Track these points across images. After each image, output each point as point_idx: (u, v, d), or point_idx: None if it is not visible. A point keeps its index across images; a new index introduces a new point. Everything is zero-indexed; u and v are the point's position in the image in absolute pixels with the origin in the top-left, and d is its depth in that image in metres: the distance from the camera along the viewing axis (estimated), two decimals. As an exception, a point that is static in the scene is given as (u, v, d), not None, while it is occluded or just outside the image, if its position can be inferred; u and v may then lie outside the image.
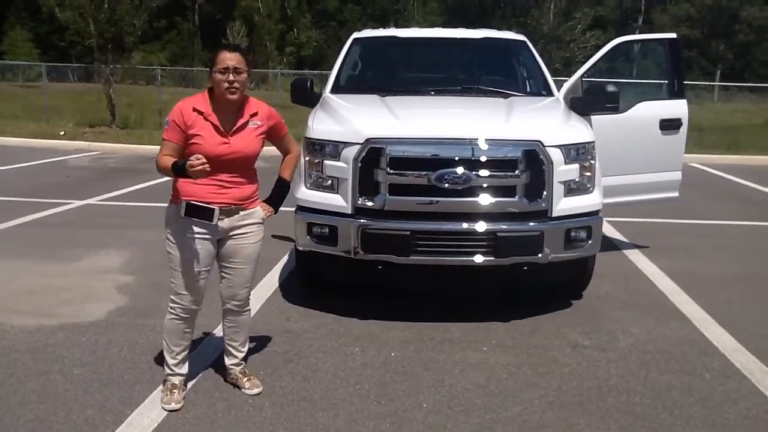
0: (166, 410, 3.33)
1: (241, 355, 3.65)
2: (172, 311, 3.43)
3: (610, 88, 5.55)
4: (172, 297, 3.42)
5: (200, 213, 3.26)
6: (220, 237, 3.37)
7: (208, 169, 3.07)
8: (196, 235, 3.30)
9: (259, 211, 3.46)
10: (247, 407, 3.40)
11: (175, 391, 3.42)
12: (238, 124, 3.30)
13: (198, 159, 3.05)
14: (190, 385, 3.58)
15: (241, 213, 3.37)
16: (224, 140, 3.25)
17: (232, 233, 3.37)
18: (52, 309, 4.75)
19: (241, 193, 3.35)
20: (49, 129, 16.95)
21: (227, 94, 3.23)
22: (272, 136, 3.49)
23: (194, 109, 3.24)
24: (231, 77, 3.20)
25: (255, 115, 3.35)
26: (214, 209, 3.26)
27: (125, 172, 11.59)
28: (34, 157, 12.98)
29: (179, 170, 3.14)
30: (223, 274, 3.49)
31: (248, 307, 3.63)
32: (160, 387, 3.51)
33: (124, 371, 3.78)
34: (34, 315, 4.62)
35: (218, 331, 3.69)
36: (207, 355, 3.95)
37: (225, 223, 3.32)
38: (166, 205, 3.42)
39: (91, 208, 8.48)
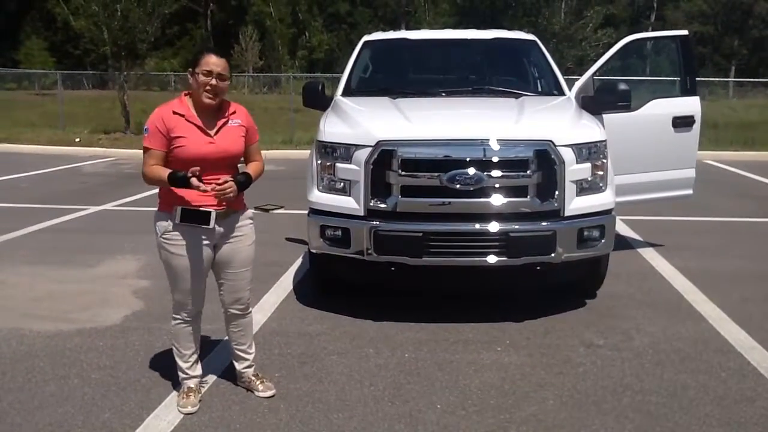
0: (182, 413, 3.36)
1: (250, 357, 3.66)
2: (177, 316, 3.45)
3: (622, 87, 5.53)
4: (175, 303, 3.43)
5: (196, 218, 3.24)
6: (216, 242, 3.35)
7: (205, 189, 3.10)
8: (193, 242, 3.28)
9: (248, 211, 3.48)
10: (263, 410, 3.43)
11: (191, 394, 3.45)
12: (220, 123, 3.28)
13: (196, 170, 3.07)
14: (205, 388, 3.62)
15: (233, 215, 3.38)
16: (209, 140, 3.23)
17: (227, 237, 3.37)
18: (70, 314, 4.81)
19: None
20: (65, 136, 17.13)
21: (205, 98, 3.20)
22: (246, 139, 3.41)
23: (174, 113, 3.23)
24: (214, 81, 3.18)
25: (234, 113, 3.35)
26: (210, 212, 3.24)
27: (140, 177, 11.64)
28: (50, 164, 13.13)
29: (179, 181, 3.12)
30: (222, 281, 3.48)
31: (250, 309, 3.63)
32: (175, 392, 3.54)
33: (140, 375, 3.82)
34: (51, 320, 4.68)
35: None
36: (222, 359, 3.98)
37: (220, 226, 3.32)
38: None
39: (107, 213, 8.56)
